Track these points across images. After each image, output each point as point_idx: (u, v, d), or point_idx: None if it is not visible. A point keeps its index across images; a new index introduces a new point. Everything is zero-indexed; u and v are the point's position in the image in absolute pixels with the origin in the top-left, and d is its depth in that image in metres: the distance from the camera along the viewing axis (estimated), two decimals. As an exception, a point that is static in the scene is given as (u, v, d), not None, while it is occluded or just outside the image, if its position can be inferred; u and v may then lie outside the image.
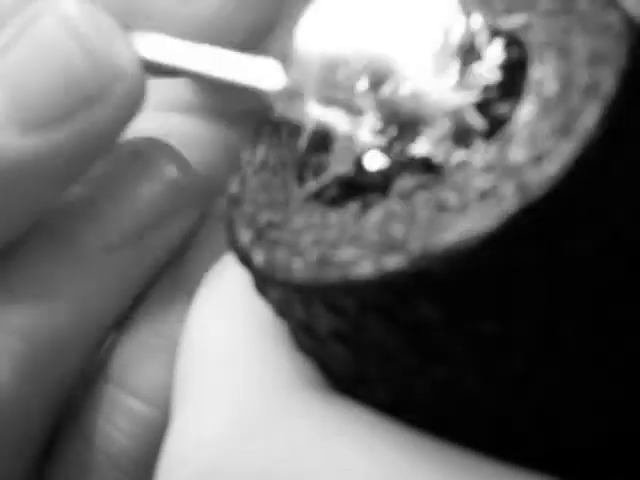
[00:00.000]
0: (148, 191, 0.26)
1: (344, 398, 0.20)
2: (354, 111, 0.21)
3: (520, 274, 0.18)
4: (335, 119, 0.21)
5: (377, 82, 0.21)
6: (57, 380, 0.26)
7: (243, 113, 0.29)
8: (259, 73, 0.23)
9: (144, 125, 0.28)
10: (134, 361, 0.26)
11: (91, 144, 0.25)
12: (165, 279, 0.27)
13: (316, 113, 0.21)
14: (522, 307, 0.18)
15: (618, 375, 0.19)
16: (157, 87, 0.29)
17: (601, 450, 0.20)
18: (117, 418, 0.26)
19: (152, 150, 0.27)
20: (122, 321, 0.27)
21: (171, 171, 0.26)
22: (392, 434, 0.19)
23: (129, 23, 0.25)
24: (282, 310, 0.20)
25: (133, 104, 0.25)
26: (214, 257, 0.24)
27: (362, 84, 0.21)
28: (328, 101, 0.21)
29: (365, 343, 0.19)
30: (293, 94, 0.22)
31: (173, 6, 0.26)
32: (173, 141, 0.28)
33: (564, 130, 0.18)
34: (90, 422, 0.26)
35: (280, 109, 0.22)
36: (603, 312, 0.19)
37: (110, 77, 0.24)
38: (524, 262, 0.18)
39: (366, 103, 0.21)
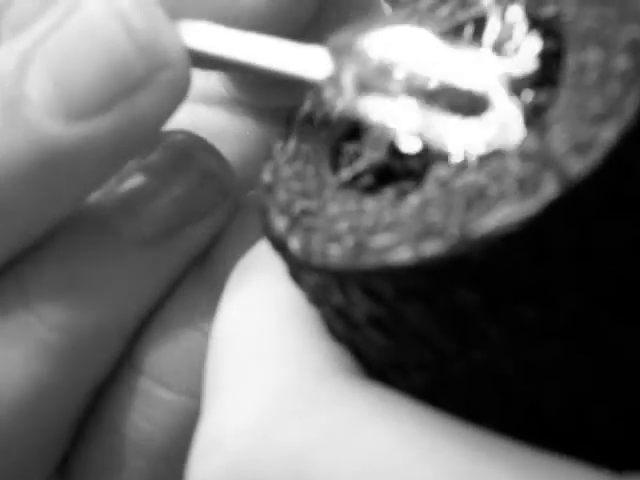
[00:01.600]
0: (185, 184, 0.26)
1: (378, 384, 0.20)
2: (391, 97, 0.21)
3: (559, 260, 0.18)
4: (373, 106, 0.21)
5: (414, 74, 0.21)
6: (91, 373, 0.26)
7: (276, 109, 0.29)
8: (306, 62, 0.23)
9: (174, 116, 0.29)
10: (163, 349, 0.26)
11: (135, 133, 0.24)
12: (194, 269, 0.27)
13: (357, 101, 0.21)
14: (561, 293, 0.18)
15: None
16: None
17: (635, 440, 0.20)
18: (146, 407, 0.26)
19: (188, 143, 0.27)
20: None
21: (208, 164, 0.26)
22: (429, 420, 0.19)
23: (178, 12, 0.25)
24: (317, 297, 0.20)
25: (178, 93, 0.25)
26: (244, 249, 0.24)
27: (399, 73, 0.21)
28: (368, 90, 0.21)
29: (402, 328, 0.19)
30: (338, 83, 0.21)
31: None
32: (201, 132, 0.28)
33: (604, 117, 0.18)
34: (118, 411, 0.26)
35: (326, 98, 0.22)
36: None
37: (155, 65, 0.24)
38: (563, 249, 0.18)
39: (402, 90, 0.21)
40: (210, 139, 0.28)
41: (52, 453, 0.26)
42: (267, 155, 0.23)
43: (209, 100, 0.29)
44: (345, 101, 0.21)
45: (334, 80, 0.22)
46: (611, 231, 0.18)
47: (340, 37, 0.21)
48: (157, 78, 0.24)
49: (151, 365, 0.26)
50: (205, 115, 0.29)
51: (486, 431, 0.19)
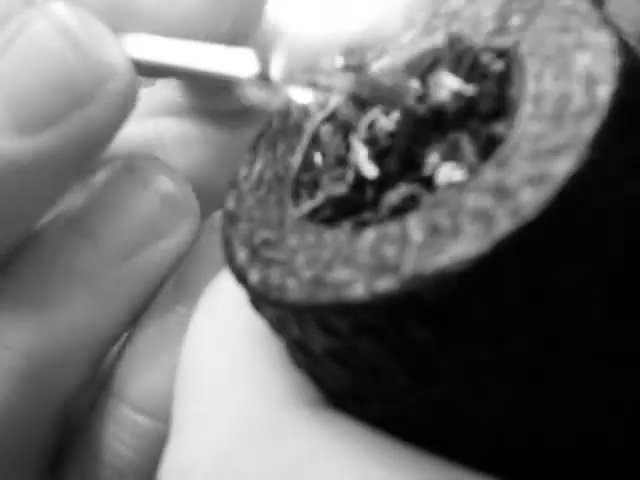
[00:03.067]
0: (143, 206, 0.26)
1: (340, 414, 0.21)
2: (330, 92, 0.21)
3: (511, 298, 0.18)
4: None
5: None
6: (58, 396, 0.26)
7: (231, 113, 0.29)
8: (235, 63, 0.24)
9: (138, 131, 0.29)
10: (136, 374, 0.26)
11: (86, 144, 0.25)
12: (165, 290, 0.27)
13: (297, 98, 0.22)
14: (513, 331, 0.18)
15: (611, 400, 0.19)
16: (149, 92, 0.30)
17: (597, 468, 0.20)
18: (121, 432, 0.26)
19: (145, 165, 0.27)
20: (123, 335, 0.27)
21: (165, 185, 0.27)
22: (388, 451, 0.19)
23: (117, 25, 0.26)
24: (277, 328, 0.21)
25: (126, 103, 0.25)
26: (214, 267, 0.24)
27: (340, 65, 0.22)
28: (310, 86, 0.22)
29: (359, 363, 0.19)
30: (266, 81, 0.23)
31: (159, 5, 0.26)
32: (167, 144, 0.28)
33: (558, 151, 0.18)
34: (95, 436, 0.26)
35: (251, 96, 0.23)
36: (594, 338, 0.19)
37: (102, 77, 0.25)
38: (515, 287, 0.18)
39: (344, 83, 0.21)
40: (174, 149, 0.28)
41: (27, 478, 0.26)
42: (230, 161, 0.23)
43: (173, 111, 0.29)
44: (281, 99, 0.22)
45: (267, 78, 0.22)
46: (564, 269, 0.18)
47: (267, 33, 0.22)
48: (104, 90, 0.25)
49: (127, 391, 0.26)
50: (170, 126, 0.29)
51: (446, 460, 0.19)
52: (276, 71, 0.23)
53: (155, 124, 0.29)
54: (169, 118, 0.30)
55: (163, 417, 0.26)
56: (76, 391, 0.26)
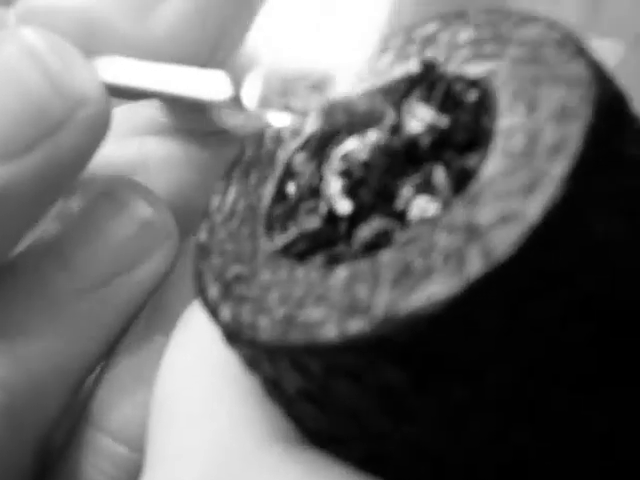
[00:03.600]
0: (121, 232, 0.26)
1: (316, 452, 0.20)
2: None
3: (484, 338, 0.18)
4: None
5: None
6: (37, 427, 0.25)
7: (214, 132, 0.29)
8: (208, 86, 0.23)
9: (121, 150, 0.28)
10: (114, 403, 0.26)
11: (58, 172, 0.24)
12: (142, 316, 0.27)
13: (271, 123, 0.22)
14: (487, 370, 0.18)
15: (585, 438, 0.19)
16: (132, 111, 0.29)
17: None
18: (100, 461, 0.26)
19: (123, 190, 0.26)
20: (101, 363, 0.26)
21: (143, 211, 0.26)
22: None
23: (91, 47, 0.25)
24: (251, 365, 0.20)
25: (99, 129, 0.25)
26: (192, 292, 0.23)
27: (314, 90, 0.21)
28: (285, 110, 0.22)
29: (333, 403, 0.19)
30: (238, 105, 0.22)
31: (130, 29, 0.26)
32: (150, 164, 0.28)
33: (529, 190, 0.18)
34: (75, 465, 0.26)
35: (224, 119, 0.22)
36: (569, 376, 0.18)
37: (74, 104, 0.24)
38: (487, 327, 0.18)
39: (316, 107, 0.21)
40: (159, 169, 0.27)
41: None
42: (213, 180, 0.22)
43: (156, 130, 0.29)
44: (253, 122, 0.22)
45: (239, 101, 0.22)
46: (536, 308, 0.18)
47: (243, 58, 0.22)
48: (76, 116, 0.24)
49: (105, 420, 0.26)
50: (153, 146, 0.29)
51: None
52: (250, 95, 0.23)
53: (139, 143, 0.29)
54: (153, 137, 0.29)
55: (141, 447, 0.25)
56: (55, 421, 0.26)
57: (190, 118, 0.29)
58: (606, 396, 0.19)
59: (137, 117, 0.29)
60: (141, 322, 0.26)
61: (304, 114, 0.22)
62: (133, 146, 0.28)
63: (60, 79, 0.24)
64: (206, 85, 0.24)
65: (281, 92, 0.22)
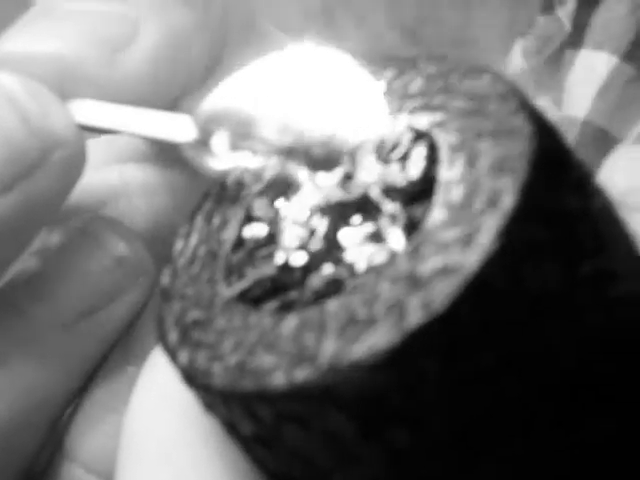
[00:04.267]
0: (97, 268, 0.26)
1: None
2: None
3: (425, 388, 0.18)
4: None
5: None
6: (17, 461, 0.26)
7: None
8: (173, 128, 0.24)
9: (103, 178, 0.29)
10: (87, 435, 0.26)
11: (35, 211, 0.25)
12: (118, 348, 0.27)
13: (227, 163, 0.23)
14: (430, 420, 0.18)
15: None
16: (112, 141, 0.30)
17: None
18: None
19: (99, 227, 0.27)
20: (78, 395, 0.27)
21: (118, 247, 0.27)
22: None
23: (64, 92, 0.26)
24: (208, 408, 0.21)
25: (74, 169, 0.25)
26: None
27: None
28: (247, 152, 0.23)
29: (284, 447, 0.20)
30: (203, 147, 0.23)
31: (101, 71, 0.26)
32: (132, 191, 0.28)
33: (467, 242, 0.18)
34: None
35: (191, 160, 0.24)
36: (507, 425, 0.19)
37: (49, 146, 0.25)
38: (427, 377, 0.18)
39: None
40: (140, 196, 0.28)
41: None
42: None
43: (137, 158, 0.29)
44: (217, 163, 0.23)
45: (205, 144, 0.23)
46: (473, 359, 0.18)
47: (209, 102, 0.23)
48: (52, 158, 0.25)
49: (79, 452, 0.26)
50: (134, 173, 0.29)
51: None
52: (216, 138, 0.23)
53: (120, 171, 0.29)
54: (133, 164, 0.30)
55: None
56: (35, 455, 0.26)
57: (171, 146, 0.29)
58: (545, 443, 0.19)
59: (118, 145, 0.30)
60: (116, 353, 0.27)
61: (266, 158, 0.23)
62: (114, 173, 0.29)
63: (36, 122, 0.24)
64: (171, 128, 0.25)
65: (245, 135, 0.23)
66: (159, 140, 0.25)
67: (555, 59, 0.59)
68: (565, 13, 0.59)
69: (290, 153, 0.22)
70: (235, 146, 0.23)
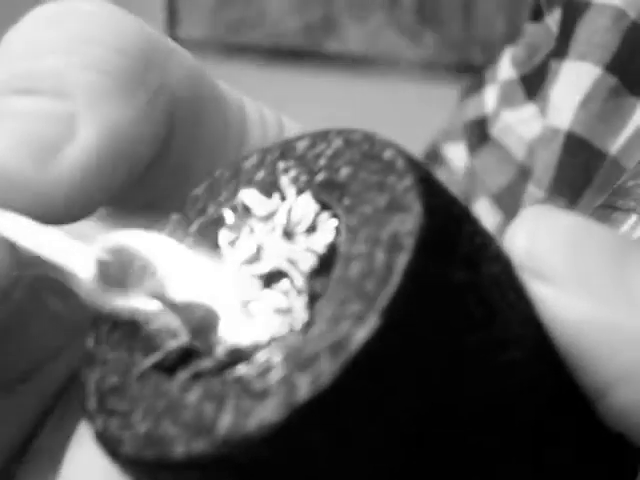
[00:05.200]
0: (33, 328, 0.27)
1: None
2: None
3: (314, 460, 0.19)
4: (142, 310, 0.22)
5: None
6: None
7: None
8: (76, 258, 0.23)
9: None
10: None
11: None
12: (60, 404, 0.28)
13: (123, 303, 0.22)
14: None
15: None
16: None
17: None
18: None
19: (37, 285, 0.27)
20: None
21: (55, 306, 0.27)
22: None
23: None
24: (124, 475, 0.22)
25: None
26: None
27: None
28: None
29: None
30: (102, 285, 0.22)
31: (31, 176, 0.24)
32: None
33: (356, 318, 0.19)
34: None
35: (90, 297, 0.23)
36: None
37: None
38: (316, 449, 0.19)
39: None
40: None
41: None
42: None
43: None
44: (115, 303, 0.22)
45: (104, 282, 0.23)
46: (358, 433, 0.19)
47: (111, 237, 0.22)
48: None
49: None
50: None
51: None
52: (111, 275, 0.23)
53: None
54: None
55: None
56: None
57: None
58: None
59: None
60: (59, 407, 0.28)
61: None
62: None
63: None
64: (75, 258, 0.23)
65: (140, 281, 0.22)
66: (57, 268, 0.23)
67: (542, 68, 0.59)
68: (554, 21, 0.59)
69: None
70: (129, 288, 0.22)
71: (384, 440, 0.19)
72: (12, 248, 0.23)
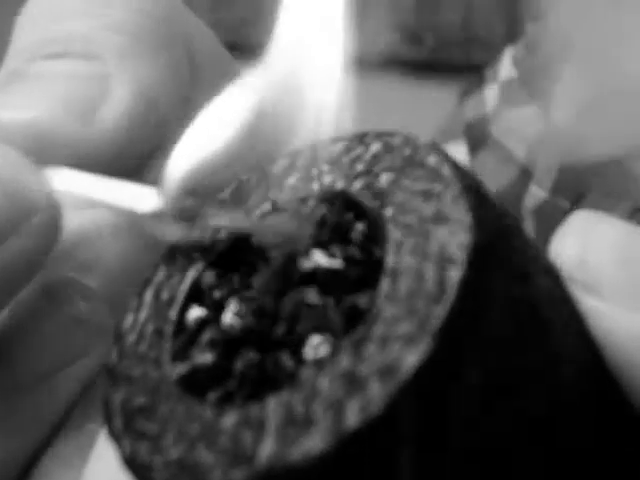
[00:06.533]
0: (58, 330, 0.26)
1: None
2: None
3: None
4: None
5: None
6: None
7: None
8: (138, 199, 0.25)
9: (77, 219, 0.29)
10: None
11: (10, 276, 0.25)
12: (78, 408, 0.27)
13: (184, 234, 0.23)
14: None
15: None
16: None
17: None
18: None
19: (59, 287, 0.27)
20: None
21: (79, 308, 0.27)
22: None
23: (39, 158, 0.26)
24: None
25: (49, 235, 0.25)
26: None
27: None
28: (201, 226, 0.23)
29: None
30: (163, 217, 0.24)
31: (75, 134, 0.26)
32: (103, 232, 0.28)
33: (408, 340, 0.18)
34: None
35: (151, 229, 0.24)
36: None
37: (24, 212, 0.25)
38: (362, 477, 0.18)
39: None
40: (110, 236, 0.28)
41: None
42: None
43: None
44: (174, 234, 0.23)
45: (165, 214, 0.24)
46: (408, 464, 0.18)
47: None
48: (27, 224, 0.25)
49: None
50: (106, 216, 0.29)
51: None
52: (175, 208, 0.24)
53: (92, 214, 0.30)
54: (92, 210, 0.30)
55: None
56: None
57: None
58: None
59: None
60: (77, 411, 0.27)
61: (216, 231, 0.23)
62: (88, 215, 0.29)
63: (10, 189, 0.25)
64: (136, 197, 0.25)
65: (199, 206, 0.23)
66: (123, 209, 0.25)
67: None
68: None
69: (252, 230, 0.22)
70: (194, 216, 0.23)
71: (434, 470, 0.18)
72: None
